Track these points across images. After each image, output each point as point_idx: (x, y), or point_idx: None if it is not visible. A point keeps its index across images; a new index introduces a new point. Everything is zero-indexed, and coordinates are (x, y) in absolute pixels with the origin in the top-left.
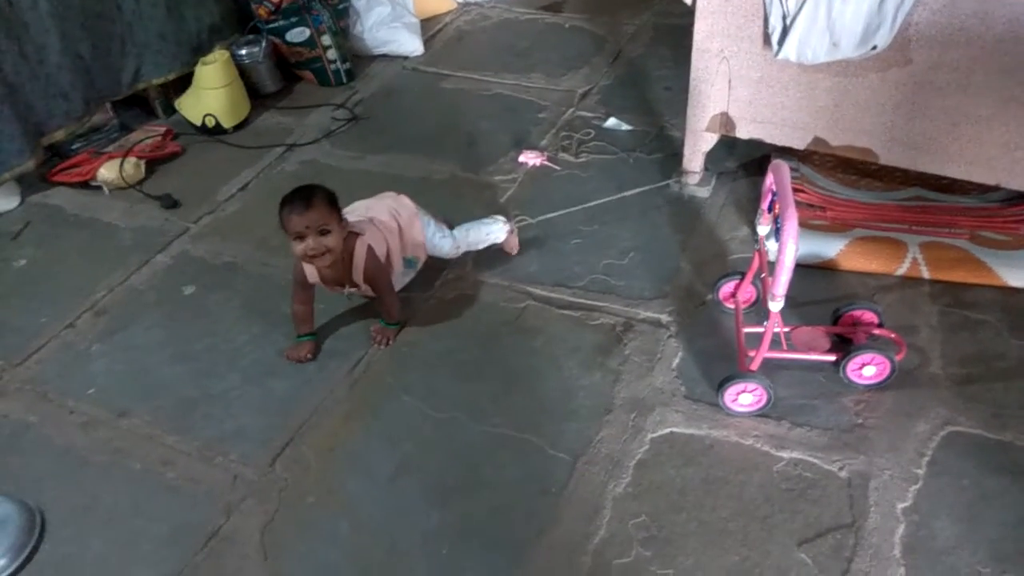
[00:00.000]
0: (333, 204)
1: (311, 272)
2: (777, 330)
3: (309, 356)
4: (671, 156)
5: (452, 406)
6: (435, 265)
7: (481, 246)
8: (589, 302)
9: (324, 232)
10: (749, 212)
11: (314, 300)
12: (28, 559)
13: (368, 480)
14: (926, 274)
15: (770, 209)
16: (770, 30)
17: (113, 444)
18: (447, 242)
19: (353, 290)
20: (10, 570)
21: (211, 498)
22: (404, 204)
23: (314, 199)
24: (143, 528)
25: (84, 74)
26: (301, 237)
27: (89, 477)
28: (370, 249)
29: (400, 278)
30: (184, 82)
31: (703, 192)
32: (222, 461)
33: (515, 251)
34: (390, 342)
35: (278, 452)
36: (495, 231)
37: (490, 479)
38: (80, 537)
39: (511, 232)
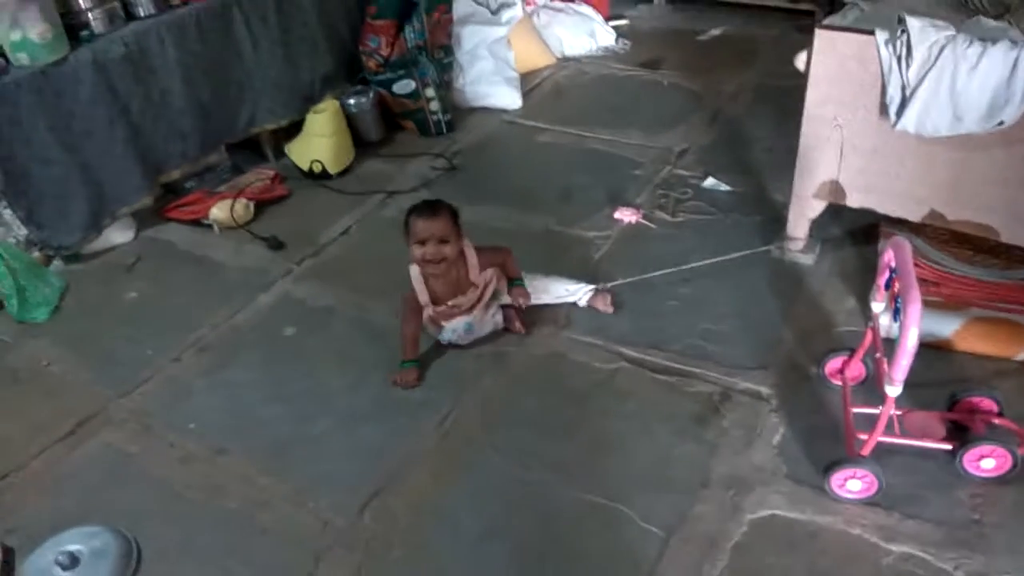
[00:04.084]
0: (455, 219)
1: (420, 289)
2: (890, 413)
3: (416, 382)
4: (772, 220)
5: (542, 467)
6: (528, 320)
7: (553, 301)
8: (685, 367)
9: (444, 241)
10: (856, 283)
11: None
12: None
13: (455, 538)
14: None
15: (887, 286)
16: (888, 100)
17: (210, 481)
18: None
19: (461, 303)
20: None
21: (301, 544)
22: None
23: (440, 210)
24: (235, 570)
25: (203, 118)
26: (422, 243)
27: (185, 513)
28: (476, 247)
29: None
30: (294, 127)
31: (807, 260)
32: (313, 506)
33: (610, 310)
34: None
35: (366, 501)
36: (574, 292)
37: (579, 549)
38: (173, 573)
39: (599, 293)
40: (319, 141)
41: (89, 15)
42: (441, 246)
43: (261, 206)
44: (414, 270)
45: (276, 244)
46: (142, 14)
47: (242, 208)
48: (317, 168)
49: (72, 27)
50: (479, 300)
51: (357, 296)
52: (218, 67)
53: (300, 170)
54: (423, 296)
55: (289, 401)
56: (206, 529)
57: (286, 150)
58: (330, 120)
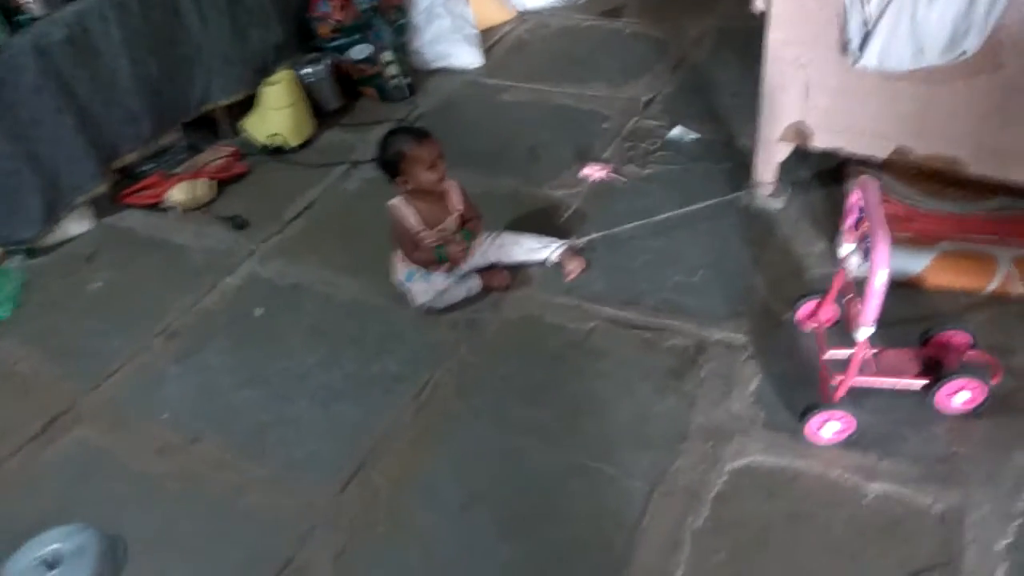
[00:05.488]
0: None
1: (414, 221)
2: (864, 354)
3: (464, 244)
4: (740, 166)
5: (522, 432)
6: (501, 285)
7: (524, 256)
8: (660, 322)
9: (441, 157)
10: (826, 226)
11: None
12: None
13: (438, 510)
14: (1020, 289)
15: (855, 227)
16: (849, 37)
17: (188, 469)
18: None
19: (447, 226)
20: None
21: (284, 526)
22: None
23: (423, 132)
24: (220, 557)
25: (154, 97)
26: (433, 165)
27: (165, 504)
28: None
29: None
30: (249, 102)
31: (776, 204)
32: (294, 488)
33: (571, 276)
34: (466, 250)
35: (348, 480)
36: (546, 246)
37: (563, 510)
38: (160, 567)
39: (570, 253)
40: (276, 114)
41: None
42: (443, 162)
43: (221, 185)
44: (401, 204)
45: (240, 223)
46: None
47: (205, 188)
48: (277, 142)
49: (7, 11)
50: (461, 226)
51: (326, 271)
52: (165, 44)
53: (259, 145)
54: (418, 223)
55: (263, 383)
56: (188, 518)
57: (243, 125)
58: (286, 91)
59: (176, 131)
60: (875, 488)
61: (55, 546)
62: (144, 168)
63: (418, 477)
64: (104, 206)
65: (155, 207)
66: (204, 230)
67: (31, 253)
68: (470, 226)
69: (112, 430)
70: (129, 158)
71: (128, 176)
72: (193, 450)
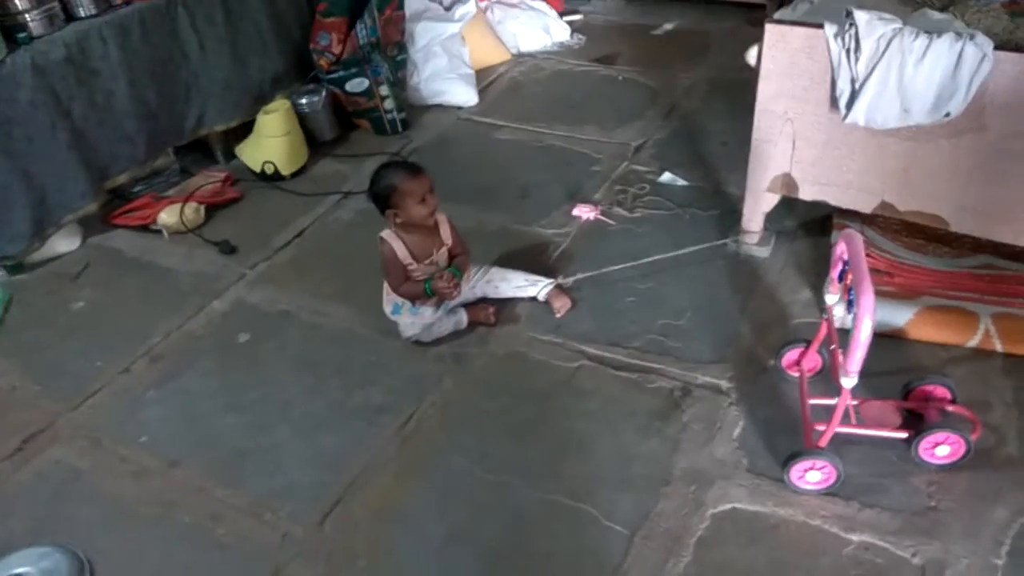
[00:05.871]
0: None
1: (404, 254)
2: (846, 403)
3: (452, 278)
4: (728, 213)
5: (505, 469)
6: (487, 320)
7: (512, 292)
8: (645, 363)
9: (432, 192)
10: (810, 275)
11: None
12: None
13: (419, 544)
14: (999, 347)
15: (840, 278)
16: (838, 93)
17: (164, 495)
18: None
19: (436, 260)
20: None
21: (260, 557)
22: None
23: (416, 166)
24: None
25: (149, 120)
26: (423, 199)
27: (139, 529)
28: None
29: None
30: (244, 128)
31: (762, 252)
32: (271, 518)
33: (560, 313)
34: (455, 286)
35: (327, 511)
36: (534, 283)
37: (545, 549)
38: None
39: (557, 290)
40: (271, 142)
41: (27, 16)
42: (434, 196)
43: (212, 210)
44: (391, 238)
45: (228, 248)
46: (83, 14)
47: (192, 212)
48: (270, 169)
49: (8, 29)
50: (449, 261)
51: (313, 300)
52: (164, 68)
53: (252, 172)
54: (407, 256)
55: (245, 410)
56: (161, 545)
57: (237, 152)
58: (282, 120)
59: (169, 154)
60: (856, 538)
61: (23, 569)
62: (135, 189)
63: (399, 510)
64: (93, 225)
65: (144, 229)
66: (192, 254)
67: (16, 269)
68: (458, 262)
69: (89, 451)
70: (121, 179)
71: (119, 197)
72: (170, 475)
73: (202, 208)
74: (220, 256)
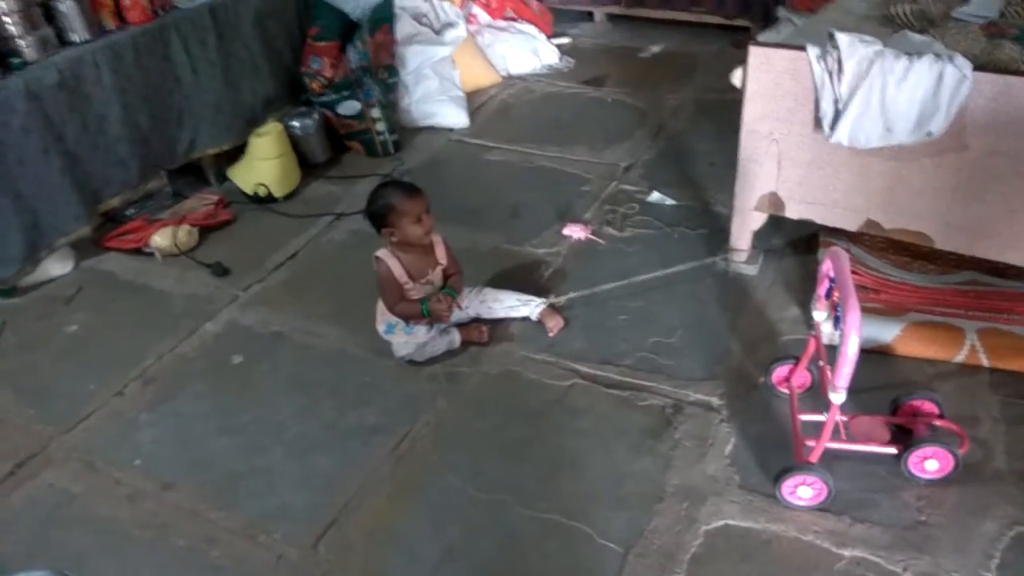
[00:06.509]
0: None
1: (399, 273)
2: (836, 419)
3: (448, 300)
4: (716, 232)
5: (498, 488)
6: (480, 339)
7: (505, 313)
8: (637, 381)
9: (427, 211)
10: (798, 292)
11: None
12: None
13: (414, 565)
14: (985, 362)
15: (827, 295)
16: (822, 114)
17: (158, 518)
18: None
19: (432, 279)
20: None
21: None
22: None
23: (412, 186)
24: None
25: (142, 144)
26: (419, 219)
27: (133, 552)
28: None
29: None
30: (237, 150)
31: (751, 270)
32: (266, 540)
33: (553, 332)
34: (451, 307)
35: (322, 532)
36: (526, 303)
37: (538, 569)
38: None
39: (550, 310)
40: (263, 164)
41: (20, 42)
42: (430, 217)
43: (205, 232)
44: (387, 257)
45: (221, 271)
46: (76, 40)
47: (185, 234)
48: (262, 192)
49: (2, 54)
50: (444, 280)
51: (306, 321)
52: (156, 92)
53: (245, 194)
54: (403, 275)
55: (238, 432)
56: (156, 568)
57: (229, 174)
58: (274, 143)
59: (162, 177)
60: (848, 554)
61: None
62: (128, 212)
63: (394, 531)
64: (86, 249)
65: (137, 252)
66: (185, 276)
67: (8, 293)
68: (452, 282)
69: (83, 475)
70: (113, 202)
71: (112, 220)
72: (164, 498)
73: (195, 231)
74: (213, 278)
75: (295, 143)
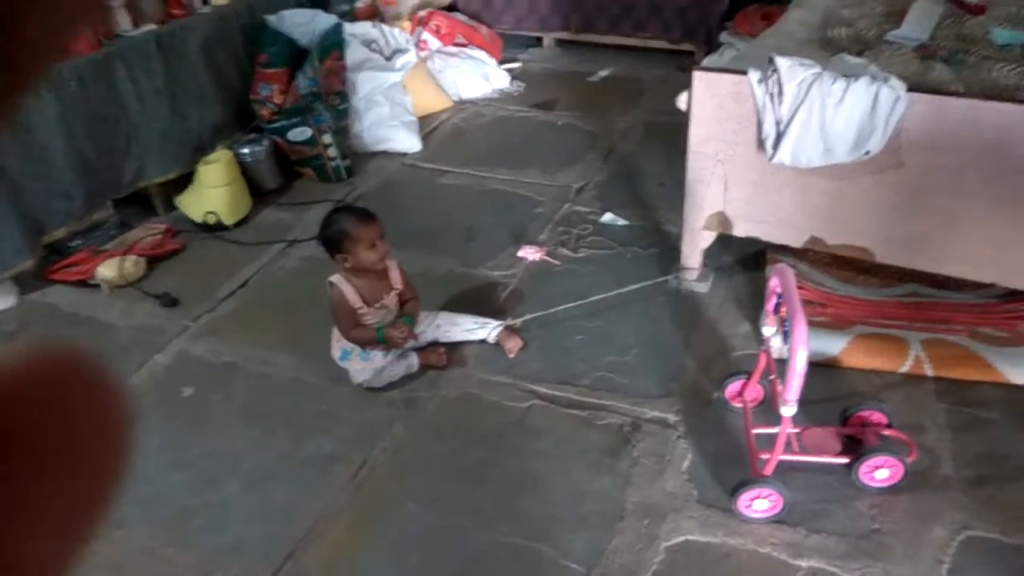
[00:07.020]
0: None
1: (354, 298)
2: (788, 432)
3: (406, 329)
4: (668, 251)
5: (459, 513)
6: (438, 363)
7: (462, 336)
8: (595, 400)
9: (382, 237)
10: (749, 308)
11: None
12: None
13: None
14: (930, 372)
15: (775, 310)
16: (764, 136)
17: (110, 559)
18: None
19: (387, 304)
20: None
21: None
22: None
23: (367, 212)
24: None
25: (87, 174)
26: (373, 245)
27: None
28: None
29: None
30: (185, 179)
31: (702, 288)
32: None
33: (513, 353)
34: (408, 336)
35: (279, 566)
36: (483, 326)
37: None
38: None
39: (507, 331)
40: (212, 192)
41: None
42: (384, 242)
43: (153, 262)
44: (340, 282)
45: (170, 301)
46: None
47: (132, 265)
48: (212, 220)
49: None
50: (400, 305)
51: (259, 350)
52: (102, 121)
53: (194, 223)
54: (357, 300)
55: (190, 466)
56: None
57: (177, 203)
58: (223, 170)
59: (108, 207)
60: (805, 564)
61: None
62: (73, 243)
63: (353, 562)
64: (29, 282)
65: (83, 284)
66: (133, 307)
67: None
68: (409, 308)
69: None
70: (58, 233)
71: (56, 251)
72: (115, 537)
73: (143, 261)
74: (162, 309)
75: (245, 170)
